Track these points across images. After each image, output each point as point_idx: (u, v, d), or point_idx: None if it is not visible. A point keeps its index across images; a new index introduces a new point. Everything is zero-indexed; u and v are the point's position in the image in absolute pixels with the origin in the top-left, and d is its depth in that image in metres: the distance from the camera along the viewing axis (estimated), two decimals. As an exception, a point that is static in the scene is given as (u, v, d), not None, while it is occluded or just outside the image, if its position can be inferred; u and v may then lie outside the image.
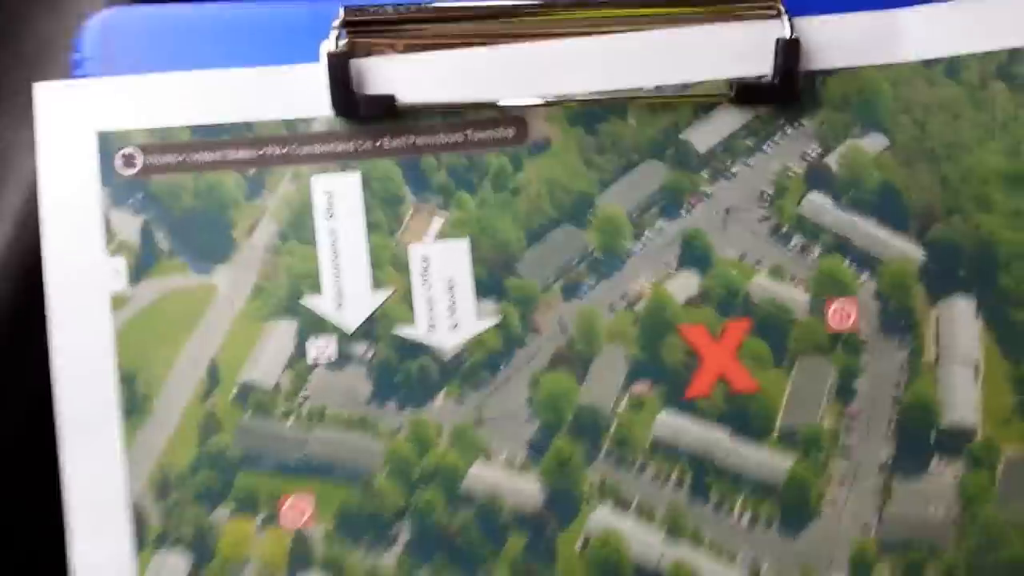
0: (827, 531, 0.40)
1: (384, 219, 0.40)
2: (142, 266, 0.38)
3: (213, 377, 0.39)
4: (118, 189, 0.38)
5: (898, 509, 0.40)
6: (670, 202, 0.40)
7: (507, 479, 0.39)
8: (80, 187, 0.38)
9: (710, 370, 0.40)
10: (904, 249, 0.41)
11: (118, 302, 0.38)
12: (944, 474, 0.40)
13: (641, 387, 0.40)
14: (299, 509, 0.39)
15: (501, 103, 0.39)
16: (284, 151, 0.39)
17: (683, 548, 0.40)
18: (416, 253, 0.40)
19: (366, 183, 0.39)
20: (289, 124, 0.39)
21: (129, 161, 0.39)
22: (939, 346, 0.40)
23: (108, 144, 0.39)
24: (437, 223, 0.40)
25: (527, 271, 0.40)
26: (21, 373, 0.41)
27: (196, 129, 0.39)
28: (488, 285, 0.40)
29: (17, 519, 0.43)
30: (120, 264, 0.38)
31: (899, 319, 0.40)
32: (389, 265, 0.39)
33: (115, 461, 0.38)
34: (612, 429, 0.40)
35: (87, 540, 0.37)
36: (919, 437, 0.40)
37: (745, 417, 0.40)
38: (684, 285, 0.40)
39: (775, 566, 0.40)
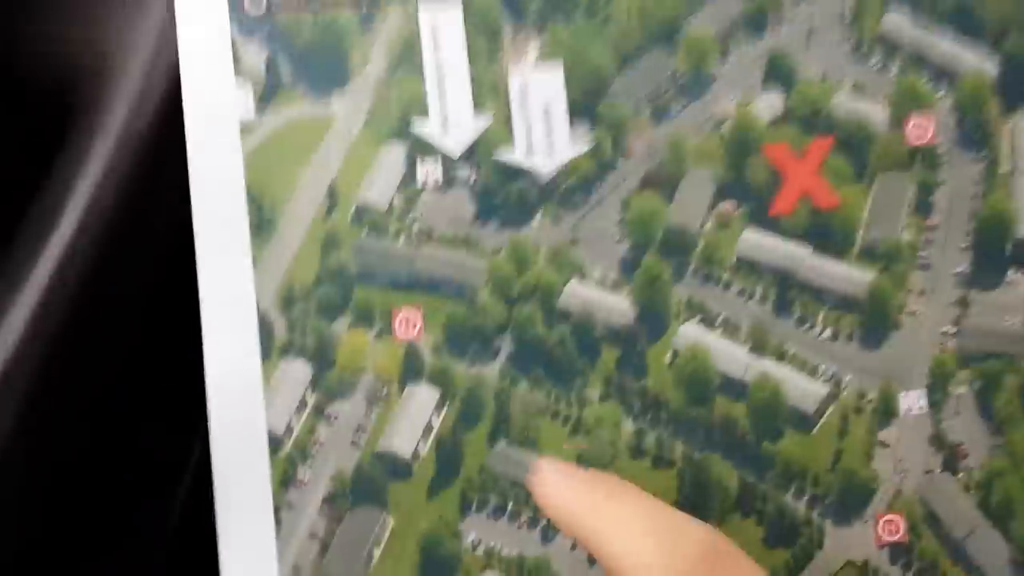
0: (907, 343, 0.42)
1: (484, 48, 0.43)
2: (267, 96, 0.42)
3: (332, 198, 0.42)
4: (246, 25, 0.42)
5: (976, 320, 0.42)
6: (755, 23, 0.42)
7: (600, 296, 0.42)
8: (213, 23, 0.42)
9: (793, 187, 0.42)
10: (980, 62, 0.42)
11: (246, 128, 0.42)
12: (1020, 285, 0.42)
13: (727, 206, 0.42)
14: (410, 322, 0.42)
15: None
16: (391, -13, 0.43)
17: (767, 362, 0.42)
18: (514, 79, 0.42)
19: (467, 14, 0.42)
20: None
21: (255, 1, 0.42)
22: (1014, 158, 0.42)
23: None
24: (533, 50, 0.43)
25: (618, 96, 0.43)
26: (161, 199, 0.45)
27: (312, -30, 0.42)
28: (581, 110, 0.42)
29: (160, 331, 0.47)
30: (248, 94, 0.42)
31: (975, 132, 0.42)
32: (489, 91, 0.42)
33: (244, 274, 0.41)
34: (699, 247, 0.42)
35: (219, 347, 0.41)
36: (995, 248, 0.42)
37: (827, 233, 0.42)
38: (768, 105, 0.42)
39: (856, 378, 0.42)
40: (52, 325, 0.41)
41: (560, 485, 0.36)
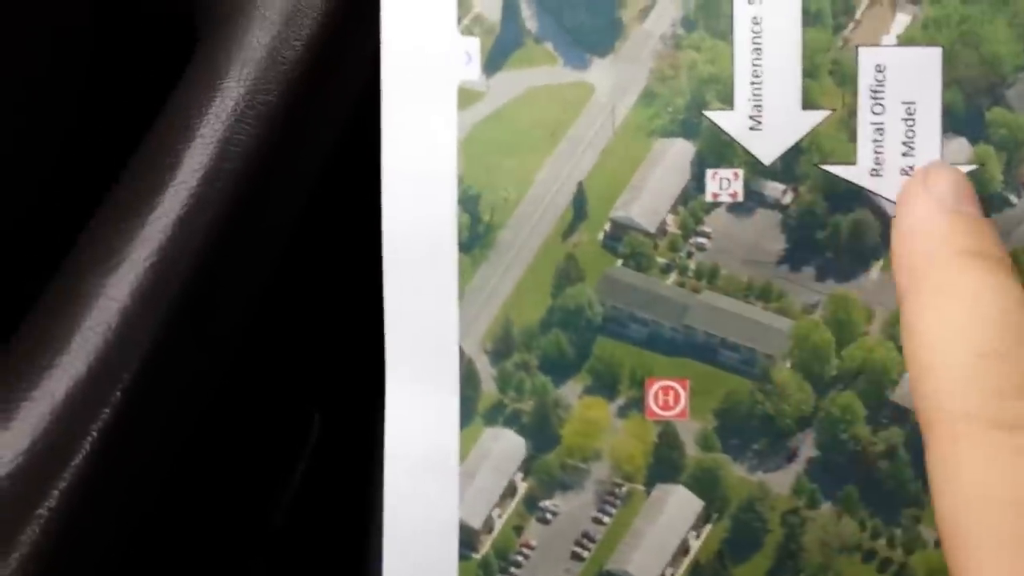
0: None
1: (829, 7, 0.28)
2: (501, 51, 0.29)
3: (579, 208, 0.29)
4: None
5: None
6: None
7: None
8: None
9: None
10: None
11: (467, 97, 0.29)
12: None
13: None
14: (671, 397, 0.30)
15: None
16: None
17: None
18: (868, 60, 0.28)
19: (810, -43, 0.29)
20: None
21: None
22: None
23: None
24: (902, 21, 0.29)
25: (1022, 102, 0.29)
26: (337, 186, 0.34)
27: None
28: (963, 116, 0.28)
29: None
30: (473, 47, 0.29)
31: None
32: (828, 75, 0.28)
33: (447, 304, 0.29)
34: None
35: (405, 403, 0.30)
36: None
37: None
38: None
39: None
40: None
41: None
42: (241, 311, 0.32)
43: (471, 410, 0.30)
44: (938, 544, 0.29)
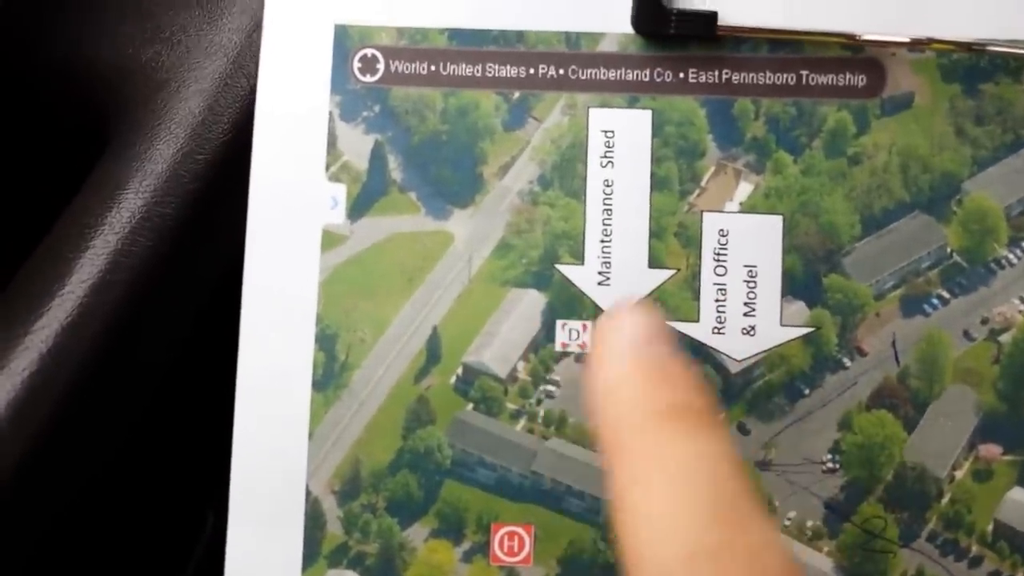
0: None
1: (676, 175, 0.30)
2: (366, 198, 0.30)
3: (433, 351, 0.30)
4: (351, 98, 0.30)
5: None
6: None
7: (792, 548, 0.30)
8: (306, 91, 0.30)
9: (1096, 441, 0.30)
10: None
11: (330, 240, 0.30)
12: None
13: (991, 450, 0.30)
14: (515, 543, 0.30)
15: (860, 37, 0.30)
16: (560, 73, 0.30)
17: None
18: (712, 225, 0.30)
19: (658, 125, 0.30)
20: (571, 39, 0.30)
21: (369, 66, 0.31)
22: None
23: (346, 42, 0.30)
24: (745, 189, 0.30)
25: (856, 269, 0.30)
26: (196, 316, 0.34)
27: (455, 33, 0.30)
28: (801, 281, 0.30)
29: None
30: (340, 192, 0.30)
31: None
32: (674, 237, 0.30)
33: (296, 442, 0.30)
34: (944, 501, 0.29)
35: (247, 537, 0.29)
36: None
37: None
38: (1074, 318, 0.30)
39: None
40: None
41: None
42: (125, 421, 0.32)
43: (315, 551, 0.30)
44: None
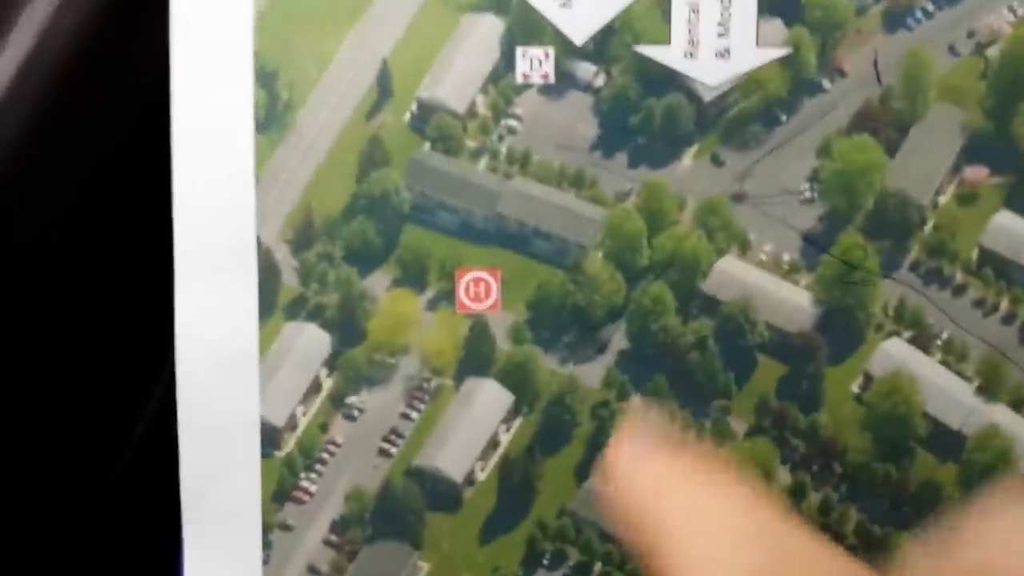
0: None
1: None
2: (298, -83, 0.28)
3: (383, 87, 0.28)
4: None
5: None
6: None
7: (767, 282, 0.29)
8: None
9: (1084, 158, 0.29)
10: None
11: (262, -33, 0.28)
12: None
13: (977, 172, 0.29)
14: (482, 289, 0.29)
15: None
16: None
17: (999, 410, 0.29)
18: (684, -61, 0.28)
19: None
20: None
21: None
22: None
23: None
24: (719, -102, 0.28)
25: (837, -16, 0.29)
26: (125, 67, 0.31)
27: None
28: (779, -1, 0.29)
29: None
30: (268, -89, 0.28)
31: None
32: (642, -48, 0.28)
33: (242, 188, 0.28)
34: (927, 228, 0.29)
35: (198, 293, 0.28)
36: None
37: (1123, 232, 0.29)
38: (1067, 27, 0.28)
39: None
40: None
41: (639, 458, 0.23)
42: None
43: (271, 304, 0.28)
44: (747, 435, 0.29)
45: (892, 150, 0.28)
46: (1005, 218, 0.29)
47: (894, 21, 0.28)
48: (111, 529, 0.34)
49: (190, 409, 0.28)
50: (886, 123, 0.28)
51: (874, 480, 0.29)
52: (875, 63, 0.28)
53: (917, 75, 0.28)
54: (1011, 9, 0.28)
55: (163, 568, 0.30)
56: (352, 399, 0.29)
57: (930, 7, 0.28)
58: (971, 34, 0.28)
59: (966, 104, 0.28)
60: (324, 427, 0.29)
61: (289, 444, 0.29)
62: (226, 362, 0.28)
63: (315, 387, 0.29)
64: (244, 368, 0.28)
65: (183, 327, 0.28)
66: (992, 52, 0.28)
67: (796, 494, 0.29)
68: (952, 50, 0.28)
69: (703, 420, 0.29)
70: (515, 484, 0.29)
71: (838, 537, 0.29)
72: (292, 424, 0.29)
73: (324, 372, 0.29)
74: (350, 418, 0.29)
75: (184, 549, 0.29)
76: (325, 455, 0.29)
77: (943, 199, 0.29)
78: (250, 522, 0.29)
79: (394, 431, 0.29)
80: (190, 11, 0.27)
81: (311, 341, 0.29)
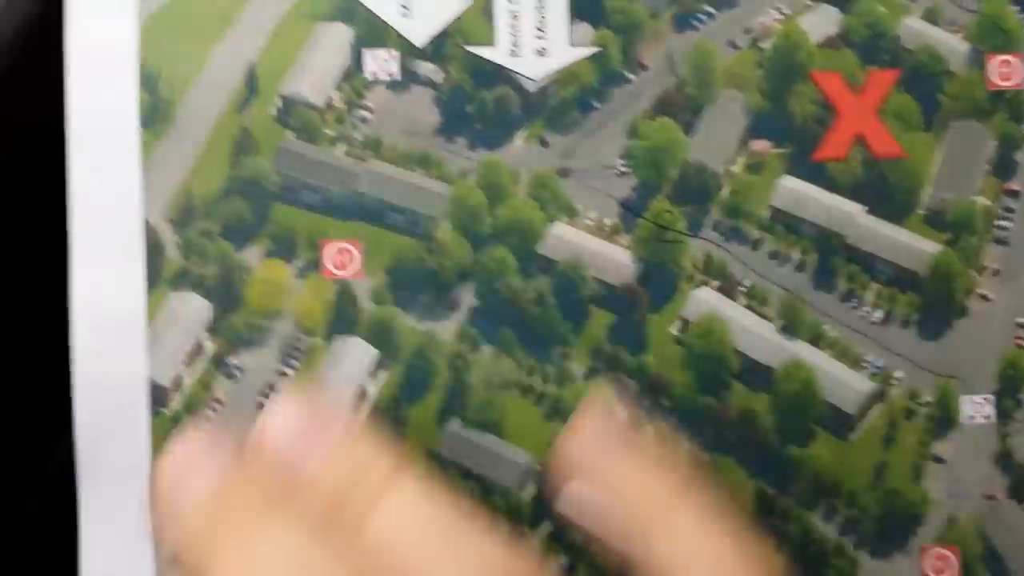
0: (973, 335, 0.33)
1: (467, -91, 0.33)
2: (174, -59, 0.33)
3: (251, 85, 0.32)
4: None
5: (1064, 311, 0.34)
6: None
7: (593, 244, 0.33)
8: None
9: (846, 128, 0.33)
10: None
11: (145, -15, 0.32)
12: (1124, 269, 0.34)
13: (761, 144, 0.34)
14: (345, 257, 0.33)
15: None
16: None
17: (800, 345, 0.33)
18: (503, -45, 0.33)
19: None
20: None
21: None
22: None
23: None
24: (531, -76, 0.34)
25: (635, -8, 0.34)
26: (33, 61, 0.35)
27: None
28: (586, 5, 0.33)
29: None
30: (148, -64, 0.33)
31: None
32: (469, -33, 0.33)
33: (130, 176, 0.32)
34: (724, 193, 0.33)
35: (91, 268, 0.31)
36: (1098, 221, 0.34)
37: (885, 188, 0.33)
38: (821, 21, 0.33)
39: (910, 374, 0.33)
40: None
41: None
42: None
43: (157, 276, 0.32)
44: (585, 377, 0.33)
45: (689, 129, 0.33)
46: (789, 182, 0.34)
47: (682, 22, 0.34)
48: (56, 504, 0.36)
49: (85, 372, 0.31)
50: (683, 107, 0.34)
51: (697, 411, 0.33)
52: (670, 57, 0.34)
53: (705, 66, 0.33)
54: (778, 9, 0.34)
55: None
56: (232, 360, 0.32)
57: (711, 10, 0.34)
58: (747, 31, 0.34)
59: (748, 89, 0.34)
60: (207, 386, 0.32)
61: (176, 402, 0.32)
62: (117, 329, 0.31)
63: (198, 350, 0.32)
64: (133, 334, 0.31)
65: (79, 300, 0.31)
66: (765, 45, 0.34)
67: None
68: (732, 44, 0.34)
69: (547, 365, 0.33)
70: (383, 431, 0.33)
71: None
72: (178, 384, 0.32)
73: (206, 336, 0.32)
74: (231, 377, 0.32)
75: (80, 508, 0.31)
76: (209, 412, 0.32)
77: (735, 168, 0.33)
78: (141, 476, 0.32)
79: (271, 388, 0.32)
80: (83, 22, 0.31)
81: (194, 309, 0.32)
